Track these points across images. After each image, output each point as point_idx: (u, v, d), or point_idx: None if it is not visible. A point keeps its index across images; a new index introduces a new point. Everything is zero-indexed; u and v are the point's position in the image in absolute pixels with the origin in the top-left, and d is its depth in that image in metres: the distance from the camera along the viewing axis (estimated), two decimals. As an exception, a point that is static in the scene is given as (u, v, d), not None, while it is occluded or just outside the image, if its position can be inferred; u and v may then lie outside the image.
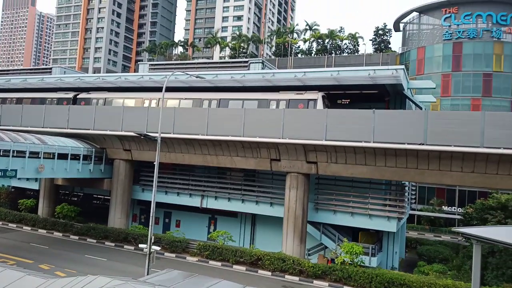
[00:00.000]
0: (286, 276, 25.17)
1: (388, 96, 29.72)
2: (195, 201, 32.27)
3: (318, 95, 28.27)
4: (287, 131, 25.69)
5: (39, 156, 28.06)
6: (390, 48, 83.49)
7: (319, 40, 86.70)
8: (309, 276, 24.80)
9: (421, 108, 32.89)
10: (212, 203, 31.77)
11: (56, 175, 31.25)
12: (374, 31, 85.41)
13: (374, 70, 28.33)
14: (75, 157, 30.73)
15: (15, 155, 26.44)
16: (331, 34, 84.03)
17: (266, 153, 27.68)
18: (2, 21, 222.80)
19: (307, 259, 26.72)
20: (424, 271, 26.26)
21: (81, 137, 32.67)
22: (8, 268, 12.77)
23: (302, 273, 25.03)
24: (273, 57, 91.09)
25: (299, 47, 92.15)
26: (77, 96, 37.64)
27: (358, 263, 24.89)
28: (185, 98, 32.32)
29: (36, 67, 77.47)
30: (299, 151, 26.49)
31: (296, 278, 24.90)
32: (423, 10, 62.25)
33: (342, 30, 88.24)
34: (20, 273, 12.25)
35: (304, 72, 31.64)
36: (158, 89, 32.80)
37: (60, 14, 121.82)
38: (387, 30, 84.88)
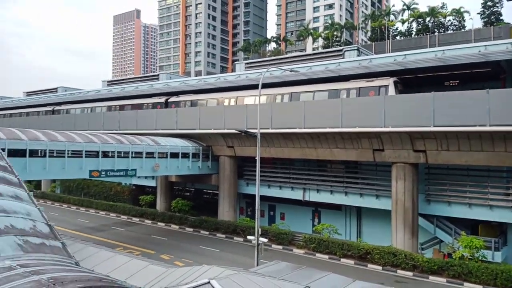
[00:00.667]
0: (399, 271, 24.13)
1: (503, 74, 26.59)
2: (297, 194, 32.54)
3: (389, 81, 27.24)
4: (390, 119, 24.45)
5: (154, 156, 30.81)
6: (502, 20, 74.40)
7: (419, 20, 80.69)
8: (423, 271, 23.45)
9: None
10: (314, 196, 31.74)
11: (170, 173, 34.08)
12: (481, 3, 76.92)
13: (485, 46, 25.81)
14: (185, 155, 33.14)
15: (133, 156, 29.39)
16: (432, 12, 77.62)
17: (367, 143, 26.75)
18: (113, 36, 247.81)
19: (421, 254, 25.28)
20: (562, 268, 23.04)
21: (189, 137, 35.04)
22: (134, 258, 14.27)
23: (416, 268, 23.76)
24: (369, 42, 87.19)
25: (397, 29, 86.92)
26: (168, 100, 40.78)
27: (479, 258, 22.81)
28: (260, 95, 32.71)
29: (145, 74, 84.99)
30: (405, 139, 25.09)
31: (409, 273, 23.73)
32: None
33: (445, 6, 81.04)
34: (145, 262, 13.59)
35: (405, 54, 29.91)
36: (249, 87, 33.93)
37: (162, 23, 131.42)
38: (497, 1, 75.78)
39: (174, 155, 32.36)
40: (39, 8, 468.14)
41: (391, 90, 26.90)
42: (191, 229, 34.85)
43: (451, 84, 28.99)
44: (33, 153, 24.16)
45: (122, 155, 28.75)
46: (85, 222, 38.83)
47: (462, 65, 25.44)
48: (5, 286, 6.68)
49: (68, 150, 25.45)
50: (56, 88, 68.48)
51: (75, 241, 15.58)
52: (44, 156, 24.45)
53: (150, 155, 30.58)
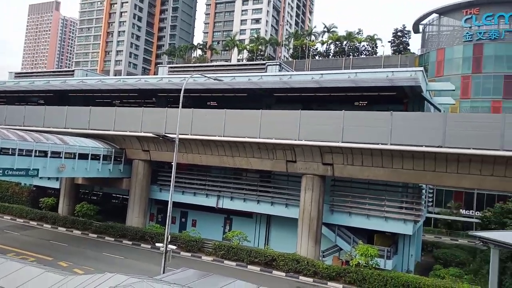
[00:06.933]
0: (301, 277, 25.20)
1: (406, 98, 29.37)
2: (211, 201, 32.58)
3: None
4: (304, 133, 25.82)
5: (61, 156, 28.82)
6: (409, 50, 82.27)
7: (337, 42, 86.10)
8: (323, 277, 24.78)
9: (440, 111, 32.42)
10: (228, 204, 32.02)
11: (77, 175, 32.08)
12: (393, 33, 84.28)
13: (392, 72, 28.03)
14: (95, 157, 31.44)
15: (37, 154, 27.24)
16: (349, 36, 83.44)
17: (282, 154, 27.79)
18: (27, 25, 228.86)
19: (322, 261, 26.69)
20: (440, 275, 25.83)
21: (102, 138, 33.38)
22: (28, 265, 13.13)
23: (317, 275, 25.03)
24: (290, 59, 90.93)
25: (316, 49, 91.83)
26: None
27: (373, 266, 24.68)
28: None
29: (59, 69, 79.16)
30: (315, 152, 26.51)
31: (310, 280, 24.91)
32: (443, 12, 61.29)
33: (361, 32, 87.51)
34: (40, 269, 12.55)
35: (322, 74, 31.58)
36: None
37: (83, 18, 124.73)
38: (406, 32, 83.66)
39: (83, 156, 30.54)
40: None
41: None
42: (95, 235, 32.98)
43: (360, 104, 31.31)
44: None
45: (24, 153, 26.49)
46: (-28, 225, 34.92)
47: (372, 88, 27.61)
48: None
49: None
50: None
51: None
52: None
53: (56, 154, 28.54)
